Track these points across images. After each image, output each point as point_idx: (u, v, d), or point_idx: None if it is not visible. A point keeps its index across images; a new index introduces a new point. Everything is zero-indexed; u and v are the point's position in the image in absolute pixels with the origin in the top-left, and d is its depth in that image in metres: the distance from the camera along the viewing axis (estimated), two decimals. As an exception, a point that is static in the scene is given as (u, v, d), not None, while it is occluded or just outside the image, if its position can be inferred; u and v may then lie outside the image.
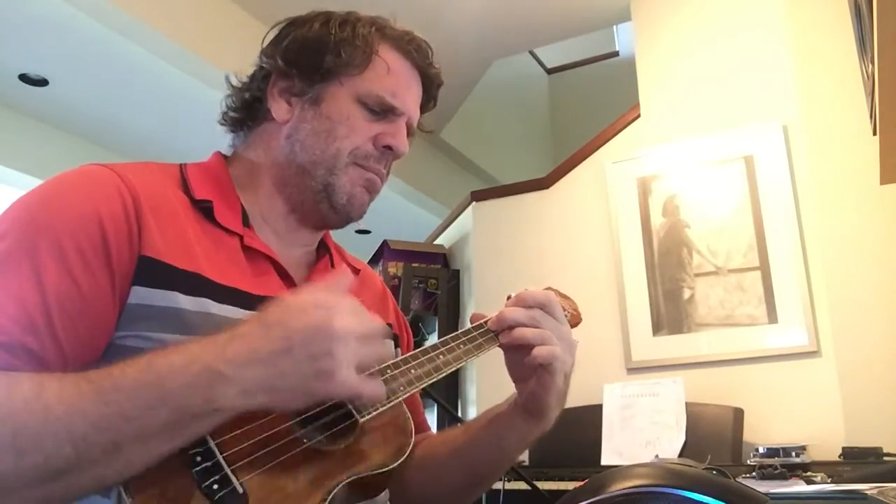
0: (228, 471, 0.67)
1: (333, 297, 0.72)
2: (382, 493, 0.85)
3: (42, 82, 3.81)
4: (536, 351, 0.85)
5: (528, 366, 0.86)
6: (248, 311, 0.81)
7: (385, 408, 0.77)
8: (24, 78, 3.76)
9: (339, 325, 0.68)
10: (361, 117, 0.90)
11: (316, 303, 0.70)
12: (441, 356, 0.84)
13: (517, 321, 0.87)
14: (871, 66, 1.53)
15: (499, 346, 0.89)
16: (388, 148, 0.92)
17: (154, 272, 0.76)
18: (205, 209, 0.86)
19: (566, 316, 0.99)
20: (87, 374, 0.66)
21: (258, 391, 0.66)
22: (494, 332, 0.89)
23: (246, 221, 0.89)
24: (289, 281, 0.89)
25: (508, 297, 0.95)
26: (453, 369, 0.84)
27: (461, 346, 0.86)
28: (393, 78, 0.92)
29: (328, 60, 0.89)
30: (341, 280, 0.75)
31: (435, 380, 0.82)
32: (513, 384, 0.92)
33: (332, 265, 0.99)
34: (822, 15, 2.59)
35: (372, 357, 0.72)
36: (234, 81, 0.97)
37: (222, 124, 0.97)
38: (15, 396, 0.63)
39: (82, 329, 0.72)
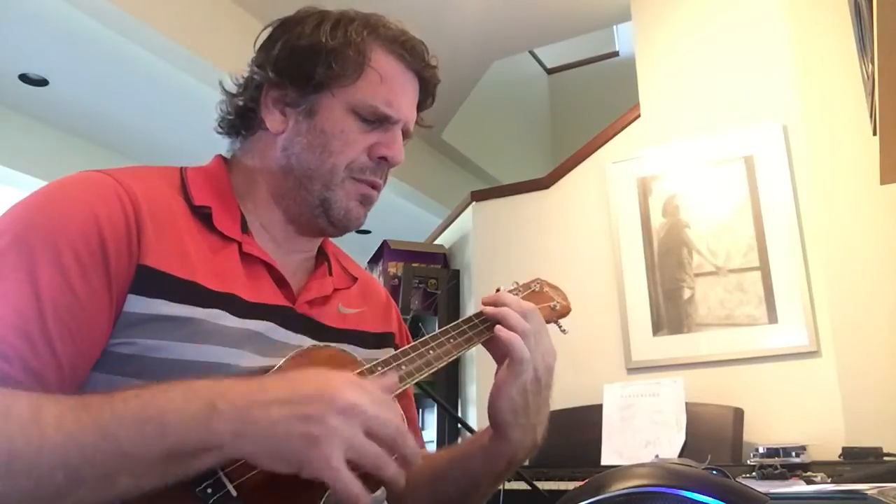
0: (222, 474, 0.67)
1: (372, 384, 0.69)
2: (379, 491, 0.85)
3: (42, 82, 3.81)
4: (506, 332, 0.86)
5: (495, 352, 0.87)
6: (241, 319, 0.80)
7: None
8: (24, 78, 3.76)
9: (350, 398, 0.65)
10: (356, 129, 0.89)
11: (349, 379, 0.68)
12: (432, 351, 0.84)
13: (508, 304, 0.89)
14: (871, 66, 1.53)
15: (486, 340, 0.89)
16: (384, 158, 0.91)
17: (151, 281, 0.76)
18: (204, 215, 0.85)
19: (555, 306, 1.00)
20: (88, 401, 0.65)
21: (247, 435, 0.63)
22: (484, 326, 0.89)
23: (245, 228, 0.88)
24: (286, 288, 0.89)
25: (498, 291, 0.95)
26: (445, 364, 0.84)
27: (452, 339, 0.87)
28: (387, 86, 0.90)
29: (320, 72, 0.88)
30: (387, 383, 0.72)
31: (427, 374, 0.82)
32: None
33: (330, 273, 0.97)
34: (822, 15, 2.59)
35: (373, 458, 0.65)
36: (229, 86, 0.95)
37: (219, 132, 0.96)
38: (12, 417, 0.62)
39: (77, 336, 0.71)
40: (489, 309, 0.89)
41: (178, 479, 0.64)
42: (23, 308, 0.68)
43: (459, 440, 2.97)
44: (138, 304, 0.75)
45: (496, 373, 0.89)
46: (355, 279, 1.02)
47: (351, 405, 0.64)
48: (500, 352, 0.88)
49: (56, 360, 0.69)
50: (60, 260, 0.71)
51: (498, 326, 0.87)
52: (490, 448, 0.89)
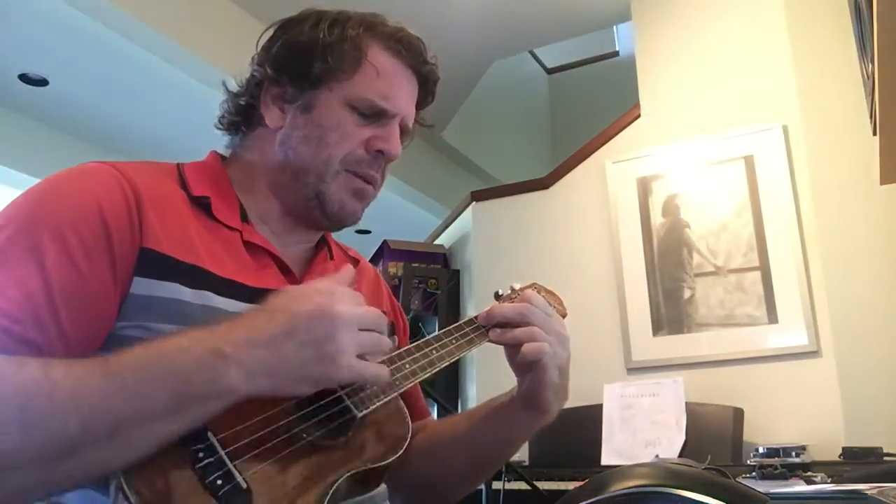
0: (231, 466, 0.67)
1: (335, 286, 0.74)
2: (381, 489, 0.86)
3: (42, 82, 3.82)
4: (525, 348, 0.87)
5: (520, 363, 0.88)
6: (248, 304, 0.81)
7: (382, 402, 0.78)
8: (24, 78, 3.76)
9: (341, 310, 0.71)
10: (352, 122, 0.89)
11: (318, 290, 0.73)
12: (435, 351, 0.85)
13: (505, 316, 0.89)
14: (871, 66, 1.54)
15: (488, 341, 0.90)
16: (380, 152, 0.91)
17: (155, 264, 0.77)
18: (203, 205, 0.86)
19: None
20: (95, 356, 0.67)
21: (260, 374, 0.67)
22: (485, 328, 0.90)
23: (244, 217, 0.89)
24: (290, 275, 0.90)
25: (497, 294, 0.97)
26: (447, 364, 0.86)
27: (453, 341, 0.88)
28: (383, 80, 0.90)
29: (317, 67, 0.89)
30: (344, 274, 0.78)
31: (429, 374, 0.84)
32: (513, 380, 0.93)
33: (332, 257, 0.99)
34: (822, 15, 2.59)
35: (373, 344, 0.74)
36: (231, 87, 0.96)
37: (218, 128, 0.97)
38: (24, 374, 0.63)
39: (84, 318, 0.72)
40: (507, 336, 0.89)
41: (188, 426, 0.66)
42: (31, 290, 0.69)
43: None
44: (144, 287, 0.76)
45: (510, 363, 0.90)
46: (357, 261, 1.04)
47: (344, 315, 0.71)
48: (513, 350, 0.88)
49: (65, 341, 0.70)
50: (65, 244, 0.72)
51: (520, 354, 0.87)
52: (530, 421, 0.93)
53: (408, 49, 0.93)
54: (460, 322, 0.91)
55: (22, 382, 0.63)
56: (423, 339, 0.87)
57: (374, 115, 0.90)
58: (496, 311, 0.90)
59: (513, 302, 0.94)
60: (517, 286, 1.03)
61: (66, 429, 0.62)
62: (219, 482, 0.66)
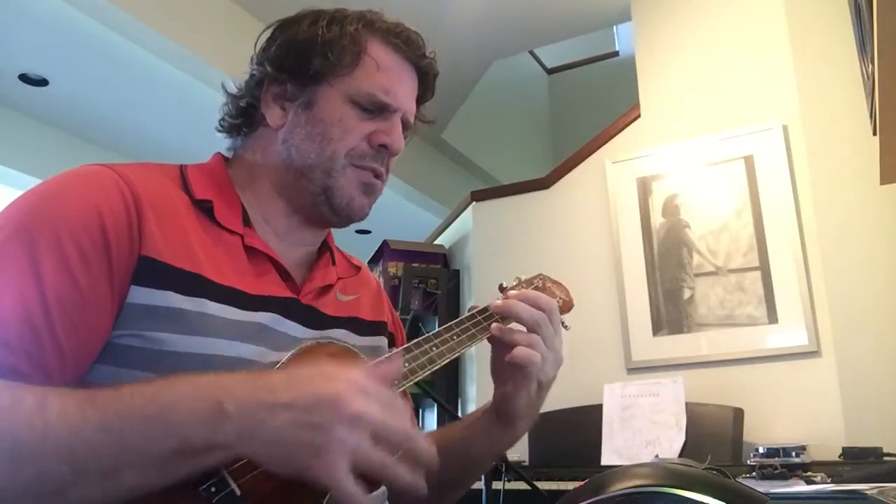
0: (225, 473, 0.67)
1: (374, 384, 0.68)
2: (380, 490, 0.85)
3: (42, 82, 3.82)
4: (517, 350, 0.87)
5: (506, 363, 0.88)
6: (246, 311, 0.81)
7: None
8: (24, 78, 3.76)
9: (357, 407, 0.63)
10: (354, 117, 0.89)
11: (353, 379, 0.66)
12: (434, 348, 0.84)
13: (520, 317, 0.89)
14: (871, 66, 1.54)
15: (489, 336, 0.90)
16: (384, 146, 0.91)
17: (153, 272, 0.76)
18: (205, 209, 0.85)
19: (557, 302, 1.00)
20: (93, 396, 0.64)
21: (253, 437, 0.63)
22: (487, 323, 0.89)
23: (246, 221, 0.88)
24: (290, 281, 0.89)
25: (502, 287, 0.96)
26: (448, 360, 0.85)
27: (454, 336, 0.87)
28: (384, 74, 0.90)
29: (316, 63, 0.88)
30: (392, 370, 0.72)
31: (429, 372, 0.82)
32: None
33: (333, 262, 0.98)
34: (823, 15, 2.59)
35: (380, 466, 0.64)
36: (231, 88, 0.96)
37: (220, 131, 0.97)
38: (18, 408, 0.62)
39: (80, 327, 0.71)
40: (496, 303, 0.90)
41: (185, 476, 0.64)
42: (27, 299, 0.68)
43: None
44: (141, 296, 0.75)
45: (492, 362, 0.91)
46: (358, 269, 1.04)
47: (357, 415, 0.63)
48: (506, 350, 0.88)
49: (60, 351, 0.69)
50: (63, 251, 0.71)
51: (510, 354, 0.87)
52: (496, 435, 0.94)
53: (406, 44, 0.93)
54: (461, 317, 0.90)
55: (16, 419, 0.61)
56: (423, 337, 0.85)
57: (376, 109, 0.90)
58: (513, 308, 0.89)
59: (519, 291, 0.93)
60: (523, 277, 1.02)
61: (58, 472, 0.61)
62: (213, 489, 0.65)
